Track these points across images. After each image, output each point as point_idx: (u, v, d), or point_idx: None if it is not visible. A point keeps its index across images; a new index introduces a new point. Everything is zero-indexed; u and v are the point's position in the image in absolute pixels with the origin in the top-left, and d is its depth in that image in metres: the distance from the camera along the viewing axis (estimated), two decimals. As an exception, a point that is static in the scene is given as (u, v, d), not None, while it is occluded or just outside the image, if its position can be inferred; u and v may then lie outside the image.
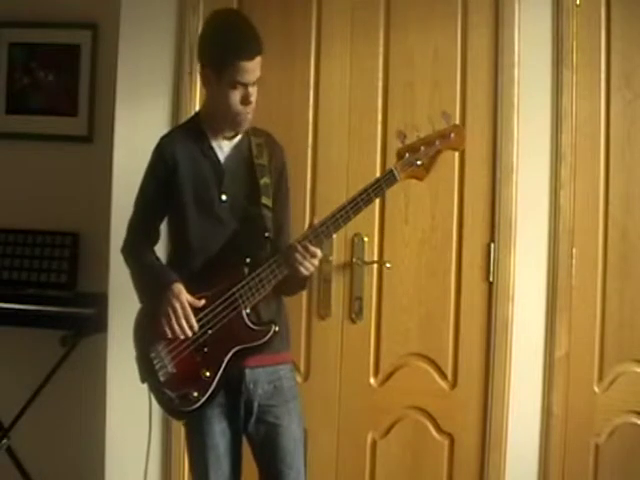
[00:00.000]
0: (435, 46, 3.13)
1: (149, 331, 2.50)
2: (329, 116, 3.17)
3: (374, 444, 3.18)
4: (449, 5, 3.13)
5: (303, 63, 3.18)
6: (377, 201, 3.10)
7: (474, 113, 3.12)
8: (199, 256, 2.51)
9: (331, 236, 2.47)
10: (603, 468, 3.11)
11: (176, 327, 2.41)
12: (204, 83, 2.53)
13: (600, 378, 3.12)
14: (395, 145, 2.45)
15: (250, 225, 2.51)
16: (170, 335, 2.43)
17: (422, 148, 2.42)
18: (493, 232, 3.10)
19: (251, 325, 2.45)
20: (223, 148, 2.55)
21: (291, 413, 2.56)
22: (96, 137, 3.64)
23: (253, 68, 2.41)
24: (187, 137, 2.56)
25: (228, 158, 2.55)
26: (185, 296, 2.43)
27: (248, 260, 2.45)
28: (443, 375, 3.15)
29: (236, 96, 2.44)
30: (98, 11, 3.59)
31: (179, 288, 2.43)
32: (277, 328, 2.46)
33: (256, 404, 2.53)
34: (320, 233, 2.41)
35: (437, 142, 2.43)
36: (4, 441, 3.44)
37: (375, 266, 3.16)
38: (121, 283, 3.15)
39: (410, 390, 3.16)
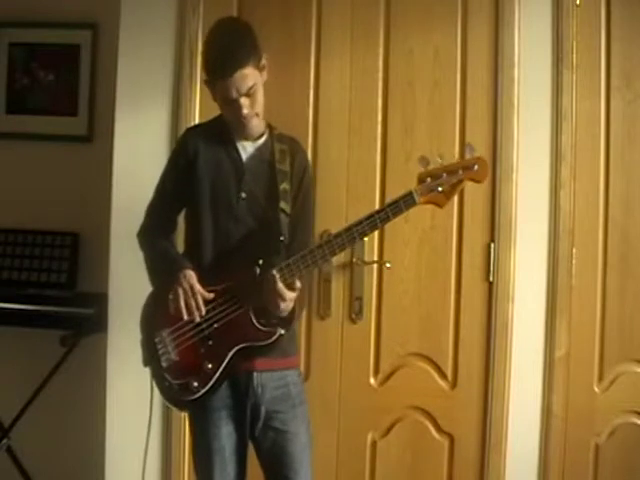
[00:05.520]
0: (435, 46, 3.13)
1: (156, 315, 2.52)
2: (329, 116, 3.17)
3: (374, 444, 3.18)
4: (449, 5, 3.13)
5: (303, 63, 3.18)
6: (377, 201, 3.14)
7: (474, 113, 3.12)
8: (213, 251, 2.53)
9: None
10: (603, 468, 3.11)
11: (183, 306, 2.42)
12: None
13: (600, 378, 3.12)
14: (417, 169, 2.40)
15: (266, 227, 2.53)
16: (175, 313, 2.43)
17: (444, 175, 2.38)
18: (493, 232, 3.10)
19: (257, 325, 2.46)
20: (246, 148, 2.58)
21: (298, 419, 2.57)
22: (96, 137, 3.63)
23: (234, 83, 2.43)
24: (212, 133, 2.59)
25: (250, 158, 2.57)
26: (196, 283, 2.44)
27: (260, 261, 2.46)
28: (443, 375, 3.15)
29: (228, 110, 2.50)
30: (98, 11, 3.59)
31: (191, 274, 2.45)
32: (283, 331, 2.46)
33: (263, 409, 2.53)
34: (335, 244, 2.40)
35: (460, 171, 2.39)
36: (4, 441, 3.44)
37: (375, 266, 3.16)
38: (121, 283, 3.18)
39: (410, 390, 3.15)
